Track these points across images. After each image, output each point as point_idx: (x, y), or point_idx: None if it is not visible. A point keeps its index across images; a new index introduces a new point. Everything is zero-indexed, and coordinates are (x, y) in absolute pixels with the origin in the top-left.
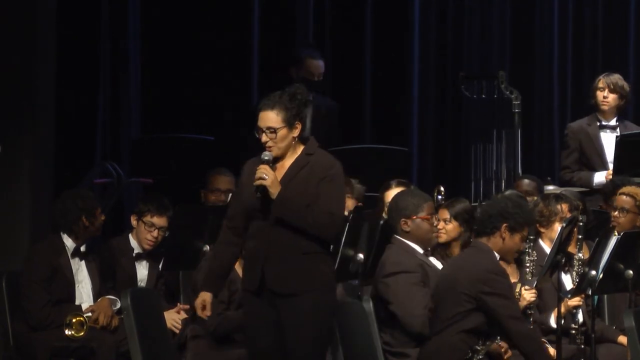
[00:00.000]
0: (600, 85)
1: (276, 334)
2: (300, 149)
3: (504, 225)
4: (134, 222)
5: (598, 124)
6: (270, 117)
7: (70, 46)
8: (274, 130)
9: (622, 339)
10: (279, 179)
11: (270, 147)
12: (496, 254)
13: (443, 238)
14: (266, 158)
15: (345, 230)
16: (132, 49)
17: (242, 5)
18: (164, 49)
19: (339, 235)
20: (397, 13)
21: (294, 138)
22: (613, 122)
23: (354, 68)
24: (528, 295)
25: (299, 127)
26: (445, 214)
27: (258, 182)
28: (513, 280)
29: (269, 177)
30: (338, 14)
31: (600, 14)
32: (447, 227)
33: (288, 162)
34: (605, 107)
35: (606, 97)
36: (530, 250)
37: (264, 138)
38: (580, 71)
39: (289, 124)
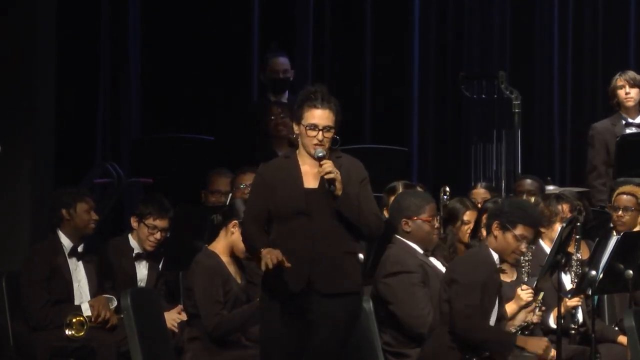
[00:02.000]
0: (620, 83)
1: (299, 342)
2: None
3: (495, 223)
4: (134, 223)
5: (623, 122)
6: (328, 116)
7: (70, 46)
8: (329, 129)
9: (622, 339)
10: (318, 180)
11: (320, 146)
12: (494, 253)
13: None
14: (321, 154)
15: None
16: (132, 49)
17: (242, 5)
18: (164, 48)
19: None
20: (397, 13)
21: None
22: (638, 120)
23: (354, 68)
24: (524, 294)
25: (334, 131)
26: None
27: (331, 176)
28: (509, 280)
29: (337, 171)
30: (338, 14)
31: (600, 14)
32: None
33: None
34: (630, 103)
35: (628, 93)
36: (525, 250)
37: (319, 136)
38: (580, 71)
39: (336, 126)
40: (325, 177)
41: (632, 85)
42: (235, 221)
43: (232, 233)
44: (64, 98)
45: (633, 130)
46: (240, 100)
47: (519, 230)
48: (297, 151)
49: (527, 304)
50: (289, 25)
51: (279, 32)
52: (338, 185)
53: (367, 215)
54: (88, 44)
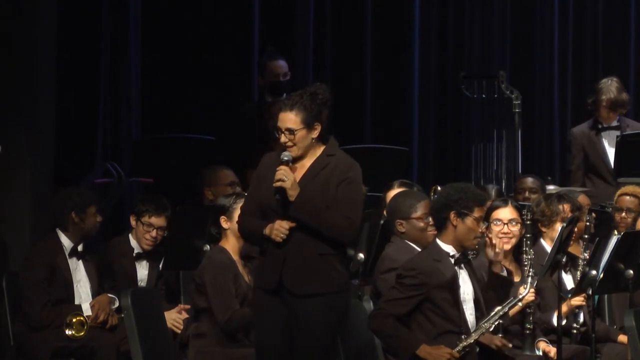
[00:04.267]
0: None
1: (286, 333)
2: (320, 149)
3: (452, 213)
4: (132, 222)
5: (600, 126)
6: (290, 118)
7: (70, 46)
8: (292, 132)
9: (623, 339)
10: (299, 178)
11: (289, 147)
12: (447, 247)
13: None
14: (285, 159)
15: None
16: (132, 49)
17: (243, 6)
18: (164, 49)
19: (356, 239)
20: (397, 13)
21: (313, 139)
22: (614, 122)
23: (354, 68)
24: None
25: (319, 128)
26: None
27: (278, 184)
28: (516, 279)
29: (288, 179)
30: (338, 14)
31: (601, 14)
32: None
33: (308, 162)
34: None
35: None
36: (528, 249)
37: (282, 138)
38: (580, 71)
39: (308, 125)
40: (274, 184)
41: None
42: (224, 217)
43: (229, 227)
44: (64, 98)
45: (610, 133)
46: (240, 101)
47: (477, 212)
48: None
49: (529, 303)
50: (289, 25)
51: (279, 32)
52: (290, 192)
53: (331, 219)
54: (88, 44)
